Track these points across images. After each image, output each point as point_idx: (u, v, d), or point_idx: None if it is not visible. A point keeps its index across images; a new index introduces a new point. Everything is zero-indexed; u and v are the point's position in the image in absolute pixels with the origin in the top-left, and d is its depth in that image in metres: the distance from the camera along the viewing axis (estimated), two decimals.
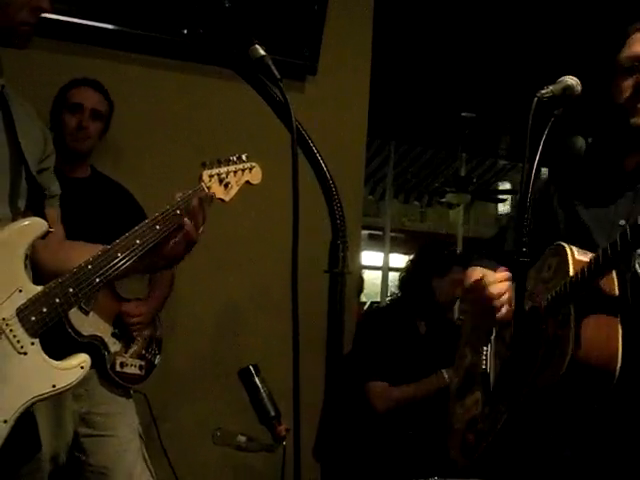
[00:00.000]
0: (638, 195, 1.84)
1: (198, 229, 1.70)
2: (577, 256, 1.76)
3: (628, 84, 1.80)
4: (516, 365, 1.84)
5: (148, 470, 2.77)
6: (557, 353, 1.70)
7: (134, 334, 2.76)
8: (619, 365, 1.66)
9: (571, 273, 1.72)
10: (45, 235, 1.58)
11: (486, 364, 2.05)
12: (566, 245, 1.78)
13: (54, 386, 1.54)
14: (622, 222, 1.83)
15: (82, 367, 1.58)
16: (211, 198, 1.79)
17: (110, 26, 3.16)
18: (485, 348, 2.08)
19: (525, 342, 1.82)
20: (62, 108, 2.78)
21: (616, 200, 1.88)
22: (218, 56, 1.35)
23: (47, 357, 1.55)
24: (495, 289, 1.90)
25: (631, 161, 1.90)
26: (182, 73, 3.38)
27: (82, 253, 1.64)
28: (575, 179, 2.02)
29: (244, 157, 1.91)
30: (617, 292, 1.72)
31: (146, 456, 2.79)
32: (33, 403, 1.53)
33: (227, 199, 1.86)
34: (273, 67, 1.23)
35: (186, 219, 1.68)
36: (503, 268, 1.96)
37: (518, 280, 1.59)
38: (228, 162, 1.87)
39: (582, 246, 1.82)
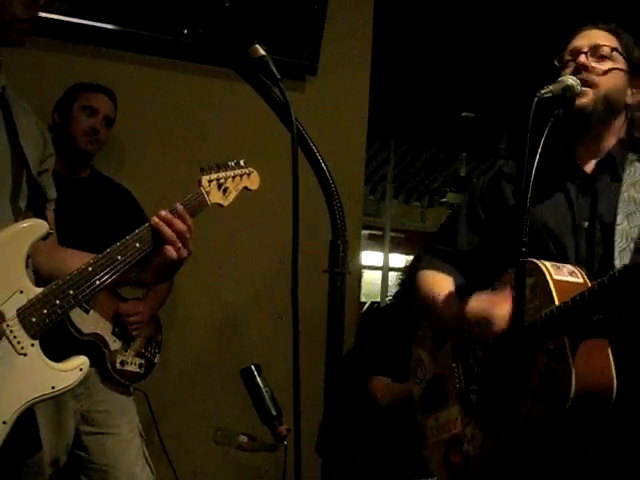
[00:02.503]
0: (598, 196, 1.86)
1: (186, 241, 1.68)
2: (555, 275, 1.73)
3: (569, 72, 1.86)
4: (504, 390, 1.80)
5: (148, 468, 2.78)
6: (555, 388, 1.66)
7: (134, 333, 2.77)
8: (615, 389, 1.65)
9: (556, 299, 1.70)
10: (46, 237, 1.58)
11: (460, 381, 1.99)
12: (539, 263, 1.74)
13: (53, 388, 1.55)
14: (586, 224, 1.84)
15: (81, 369, 1.59)
16: (204, 206, 1.79)
17: (110, 26, 3.17)
18: (454, 364, 2.01)
19: (509, 366, 1.79)
20: (73, 108, 2.77)
21: (575, 200, 1.89)
22: (218, 56, 1.34)
23: (46, 358, 1.55)
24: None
25: (583, 154, 1.91)
26: (182, 73, 3.39)
27: (75, 259, 1.64)
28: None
29: (242, 162, 1.93)
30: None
31: (147, 454, 2.80)
32: (32, 404, 1.53)
33: (225, 204, 1.87)
34: (273, 67, 1.22)
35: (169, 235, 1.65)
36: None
37: (518, 281, 1.57)
38: (227, 167, 1.88)
39: (543, 246, 1.82)
